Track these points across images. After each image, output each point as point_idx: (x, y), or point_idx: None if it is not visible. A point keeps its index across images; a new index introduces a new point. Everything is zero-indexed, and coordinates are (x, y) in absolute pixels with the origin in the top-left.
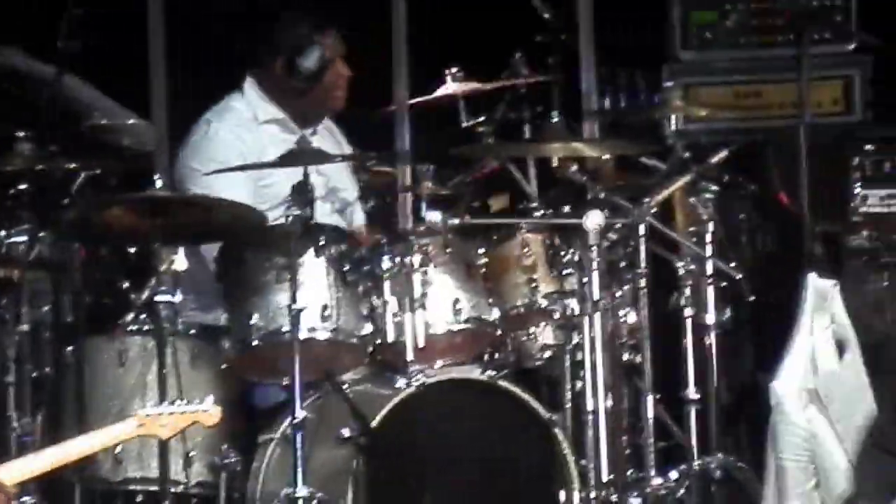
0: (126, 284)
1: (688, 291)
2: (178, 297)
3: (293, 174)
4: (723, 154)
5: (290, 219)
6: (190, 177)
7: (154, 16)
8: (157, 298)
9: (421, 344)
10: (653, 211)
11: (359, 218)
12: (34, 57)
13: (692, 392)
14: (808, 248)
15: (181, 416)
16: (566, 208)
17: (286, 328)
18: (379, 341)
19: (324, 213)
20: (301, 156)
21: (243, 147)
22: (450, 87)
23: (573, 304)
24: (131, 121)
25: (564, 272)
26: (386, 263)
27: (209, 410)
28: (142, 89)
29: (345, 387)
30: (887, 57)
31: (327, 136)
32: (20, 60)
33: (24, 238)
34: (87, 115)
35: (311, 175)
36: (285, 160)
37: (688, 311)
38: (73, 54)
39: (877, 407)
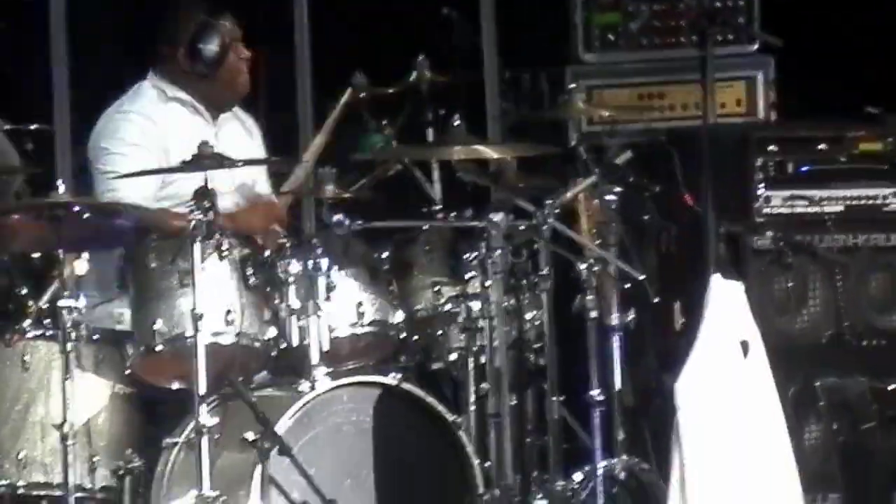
0: (27, 290)
1: (591, 293)
2: (82, 302)
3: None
4: (626, 156)
5: (192, 223)
6: (100, 158)
7: (56, 17)
8: (61, 303)
9: (325, 347)
10: (556, 213)
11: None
12: None
13: (596, 394)
14: (711, 249)
15: None
16: (469, 211)
17: (189, 333)
18: (283, 345)
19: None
20: (203, 160)
21: (154, 128)
22: (354, 92)
23: (477, 306)
24: None
25: (468, 275)
26: (289, 267)
27: None
28: (44, 93)
29: (248, 391)
30: (790, 58)
31: (238, 128)
32: None
33: None
34: None
35: (217, 171)
36: (188, 165)
37: (592, 313)
38: None
39: (780, 406)
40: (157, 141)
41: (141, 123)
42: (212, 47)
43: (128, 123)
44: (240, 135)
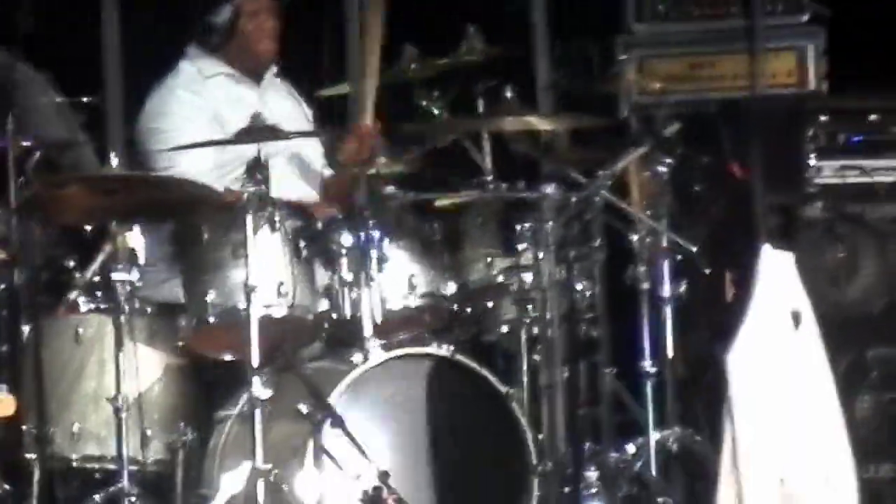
0: (80, 262)
1: (643, 265)
2: (135, 275)
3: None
4: (676, 126)
5: (245, 195)
6: (151, 138)
7: None
8: (114, 276)
9: (377, 319)
10: (607, 184)
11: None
12: None
13: (648, 365)
14: (762, 219)
15: None
16: (521, 182)
17: (242, 305)
18: (335, 317)
19: (287, 180)
20: (256, 132)
21: (200, 101)
22: (404, 64)
23: (529, 278)
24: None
25: (520, 246)
26: (341, 239)
27: (2, 399)
28: (95, 67)
29: (301, 363)
30: (841, 28)
31: (284, 92)
32: None
33: None
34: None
35: (269, 143)
36: (240, 137)
37: (643, 285)
38: (27, 35)
39: (832, 377)
40: (206, 112)
41: (187, 98)
42: (219, 20)
43: (174, 99)
44: (286, 98)
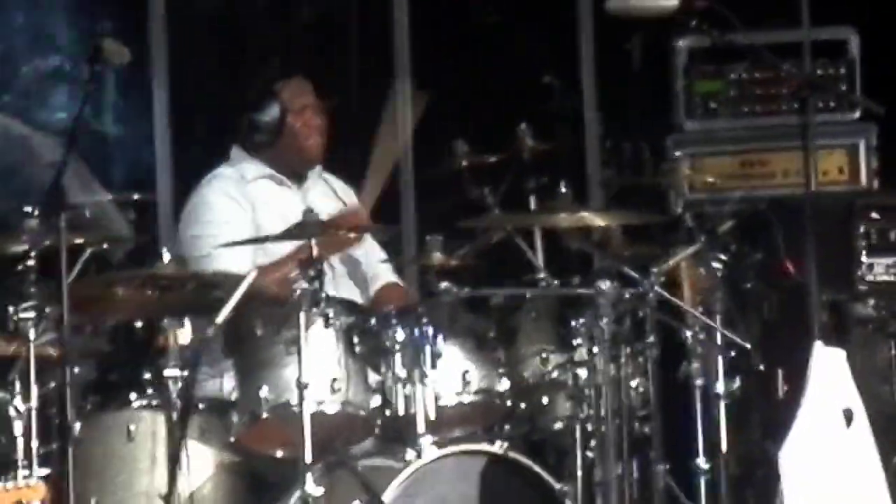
0: (133, 359)
1: (696, 361)
2: (187, 372)
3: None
4: (729, 223)
5: (298, 292)
6: (191, 245)
7: (159, 90)
8: (165, 373)
9: (431, 416)
10: (660, 281)
11: (386, 276)
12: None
13: (702, 462)
14: (814, 317)
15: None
16: (574, 279)
17: (295, 401)
18: (388, 413)
19: (339, 281)
20: (307, 228)
21: (237, 207)
22: (455, 160)
23: (583, 374)
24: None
25: (574, 342)
26: (395, 335)
27: (33, 486)
28: (148, 165)
29: (354, 460)
30: (892, 125)
31: (327, 194)
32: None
33: (31, 314)
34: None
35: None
36: (291, 233)
37: (697, 381)
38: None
39: (884, 475)
40: (243, 217)
41: (224, 204)
42: (267, 116)
43: (209, 208)
44: (329, 198)
